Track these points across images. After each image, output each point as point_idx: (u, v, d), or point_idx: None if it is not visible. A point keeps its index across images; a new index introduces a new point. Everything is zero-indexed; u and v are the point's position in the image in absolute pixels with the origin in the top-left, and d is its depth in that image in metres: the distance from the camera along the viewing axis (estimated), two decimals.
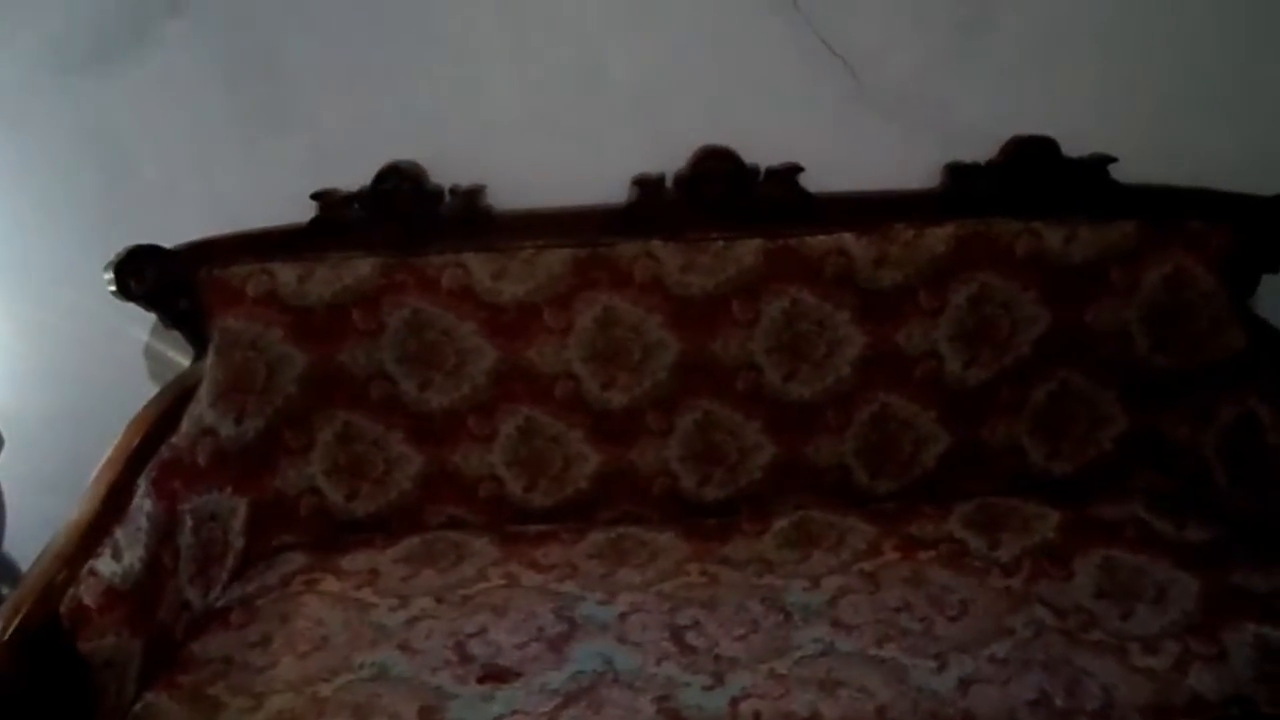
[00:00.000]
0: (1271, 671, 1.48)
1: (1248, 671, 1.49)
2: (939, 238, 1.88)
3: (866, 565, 1.76)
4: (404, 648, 1.62)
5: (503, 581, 1.77)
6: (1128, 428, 1.91)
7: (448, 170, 1.91)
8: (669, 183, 1.90)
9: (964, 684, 1.49)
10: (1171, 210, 1.87)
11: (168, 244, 1.84)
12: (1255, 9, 1.86)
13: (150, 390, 1.86)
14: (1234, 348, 1.83)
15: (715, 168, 1.89)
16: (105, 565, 1.50)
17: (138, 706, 1.51)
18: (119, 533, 1.55)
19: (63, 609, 1.42)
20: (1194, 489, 1.85)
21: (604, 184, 1.90)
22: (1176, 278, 1.86)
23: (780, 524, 1.89)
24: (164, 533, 1.64)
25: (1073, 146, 1.89)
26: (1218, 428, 1.82)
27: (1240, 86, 1.90)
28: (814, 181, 1.90)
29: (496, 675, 1.55)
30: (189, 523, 1.71)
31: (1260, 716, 1.46)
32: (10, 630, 1.34)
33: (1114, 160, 1.89)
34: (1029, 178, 1.90)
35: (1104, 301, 1.88)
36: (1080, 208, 1.89)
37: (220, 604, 1.75)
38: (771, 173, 1.89)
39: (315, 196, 1.90)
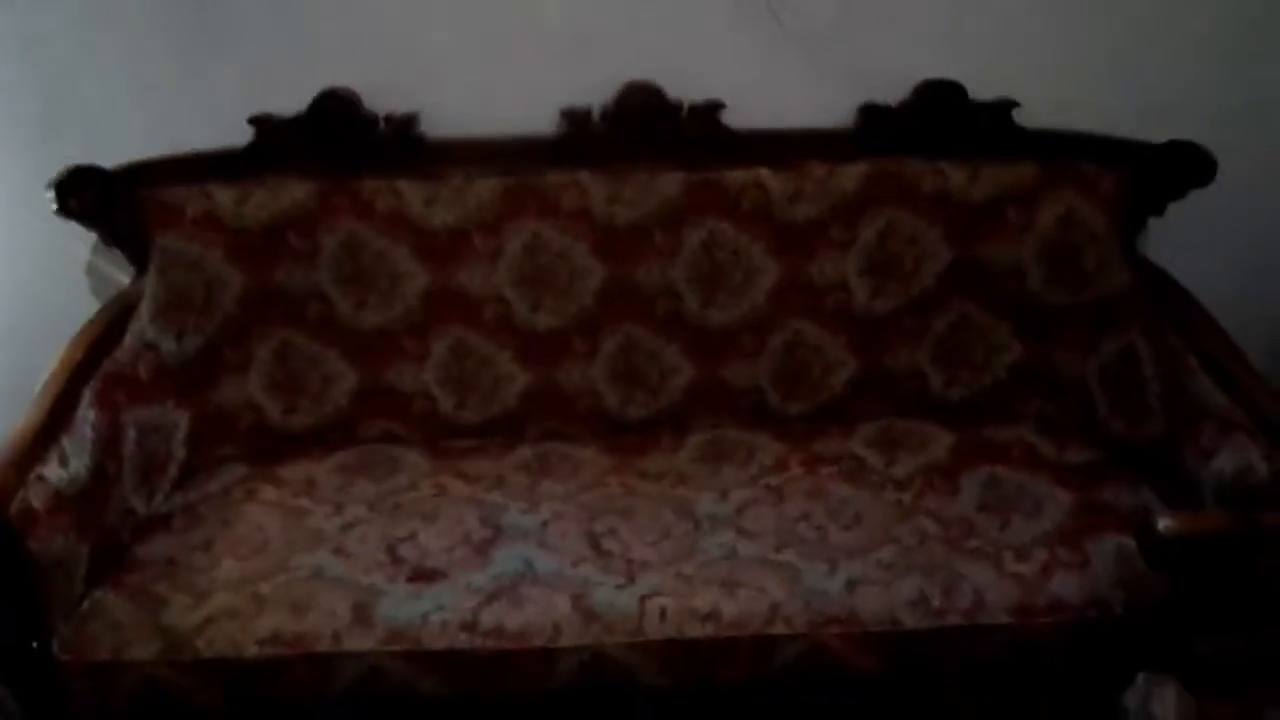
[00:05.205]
0: (1128, 578, 1.58)
1: (1107, 578, 1.60)
2: (851, 175, 1.94)
3: (773, 479, 1.85)
4: (339, 551, 1.69)
5: (433, 491, 1.83)
6: (1020, 357, 1.99)
7: (382, 98, 1.93)
8: (596, 115, 1.94)
9: (851, 585, 1.60)
10: (1068, 154, 1.94)
11: (108, 164, 1.85)
12: None
13: (92, 307, 1.89)
14: (1120, 285, 1.91)
15: (640, 102, 1.93)
16: (52, 472, 1.57)
17: (85, 604, 1.58)
18: (65, 441, 1.62)
19: (12, 512, 1.47)
20: (1078, 415, 1.95)
21: (533, 115, 1.94)
22: (1069, 218, 1.93)
23: (696, 440, 1.97)
24: (108, 442, 1.70)
25: (979, 91, 1.96)
26: (1101, 359, 1.92)
27: (1135, 40, 1.97)
28: (735, 118, 1.96)
29: (425, 575, 1.64)
30: (132, 433, 1.76)
31: (1115, 618, 1.57)
32: None
33: (1017, 105, 1.96)
34: (937, 120, 1.97)
35: (1002, 238, 1.95)
36: (984, 149, 1.95)
37: (164, 510, 1.80)
38: (694, 108, 1.94)
39: (252, 121, 1.92)
